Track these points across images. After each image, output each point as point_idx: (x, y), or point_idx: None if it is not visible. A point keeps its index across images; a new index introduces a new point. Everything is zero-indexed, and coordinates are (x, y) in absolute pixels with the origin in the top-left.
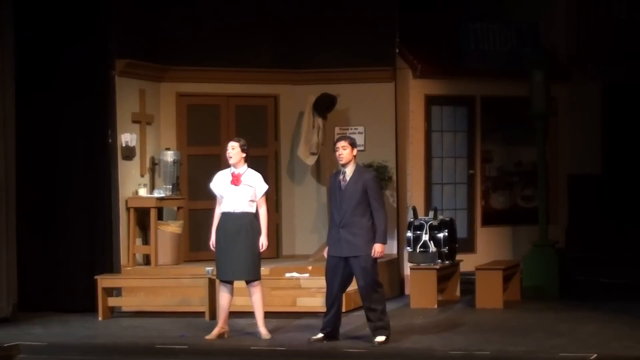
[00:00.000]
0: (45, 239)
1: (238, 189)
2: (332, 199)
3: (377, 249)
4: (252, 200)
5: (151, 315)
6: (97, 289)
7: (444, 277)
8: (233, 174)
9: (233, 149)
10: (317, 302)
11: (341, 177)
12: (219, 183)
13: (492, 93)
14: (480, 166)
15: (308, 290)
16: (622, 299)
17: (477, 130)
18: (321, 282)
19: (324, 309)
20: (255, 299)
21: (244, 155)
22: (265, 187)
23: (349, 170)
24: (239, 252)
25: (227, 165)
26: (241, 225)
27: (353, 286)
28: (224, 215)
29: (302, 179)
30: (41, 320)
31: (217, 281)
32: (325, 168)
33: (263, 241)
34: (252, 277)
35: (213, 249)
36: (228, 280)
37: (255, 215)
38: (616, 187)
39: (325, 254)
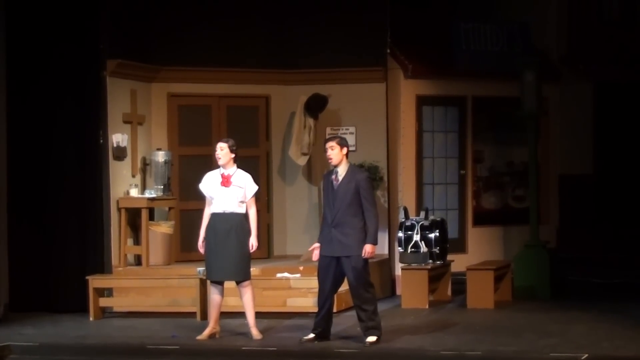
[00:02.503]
0: (36, 239)
1: (228, 190)
2: (324, 199)
3: (367, 249)
4: (242, 201)
5: (142, 316)
6: (89, 290)
7: (435, 278)
8: (223, 175)
9: (222, 149)
10: (308, 303)
11: (334, 176)
12: (209, 184)
13: (484, 93)
14: (471, 166)
15: (299, 291)
16: (614, 299)
17: (468, 131)
18: (312, 282)
19: (314, 309)
20: (246, 299)
21: (233, 155)
22: (255, 187)
23: (342, 170)
24: (229, 252)
25: (219, 166)
26: (231, 226)
27: (345, 286)
28: (214, 216)
29: (294, 180)
30: (33, 321)
31: (208, 281)
32: (316, 168)
33: (253, 242)
34: (242, 277)
35: (201, 249)
36: (218, 280)
37: (245, 216)
38: (607, 187)
39: (313, 255)
